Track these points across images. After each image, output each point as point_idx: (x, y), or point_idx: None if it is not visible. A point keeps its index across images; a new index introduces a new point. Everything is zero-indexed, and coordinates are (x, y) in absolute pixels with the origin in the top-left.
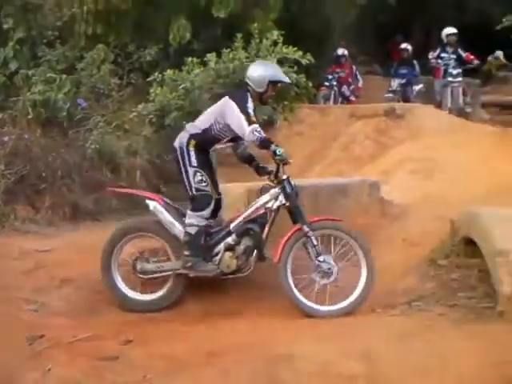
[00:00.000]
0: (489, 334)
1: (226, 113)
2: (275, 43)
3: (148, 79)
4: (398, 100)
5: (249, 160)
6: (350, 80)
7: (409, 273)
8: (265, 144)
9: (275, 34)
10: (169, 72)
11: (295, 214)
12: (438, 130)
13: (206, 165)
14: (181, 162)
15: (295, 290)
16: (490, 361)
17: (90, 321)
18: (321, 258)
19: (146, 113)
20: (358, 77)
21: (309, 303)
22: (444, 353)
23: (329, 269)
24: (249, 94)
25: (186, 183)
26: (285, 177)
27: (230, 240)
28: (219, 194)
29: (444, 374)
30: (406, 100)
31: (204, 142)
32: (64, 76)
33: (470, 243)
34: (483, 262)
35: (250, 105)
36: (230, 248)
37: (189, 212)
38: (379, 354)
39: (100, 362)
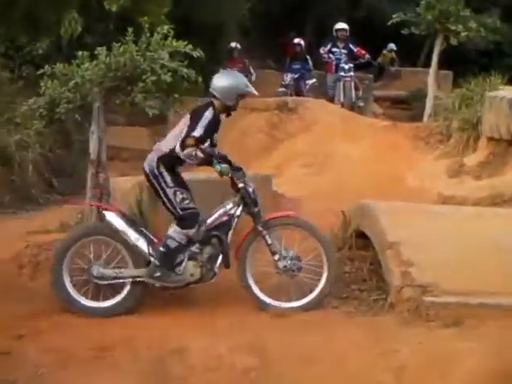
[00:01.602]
0: (379, 326)
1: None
2: (166, 37)
3: (38, 72)
4: (291, 94)
5: (223, 159)
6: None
7: None
8: (206, 164)
9: (165, 28)
10: (59, 65)
11: (253, 216)
12: (330, 124)
13: (182, 182)
14: (156, 185)
15: (255, 288)
16: (379, 351)
17: None
18: (276, 257)
19: (36, 106)
20: (251, 71)
21: (270, 301)
22: (335, 344)
23: (284, 266)
24: (211, 108)
25: (169, 205)
26: (241, 185)
27: (193, 248)
28: None
29: (334, 364)
30: (299, 94)
31: (172, 163)
32: None
33: (361, 236)
34: (375, 255)
35: (203, 123)
36: (193, 257)
37: (175, 227)
38: (271, 347)
39: None
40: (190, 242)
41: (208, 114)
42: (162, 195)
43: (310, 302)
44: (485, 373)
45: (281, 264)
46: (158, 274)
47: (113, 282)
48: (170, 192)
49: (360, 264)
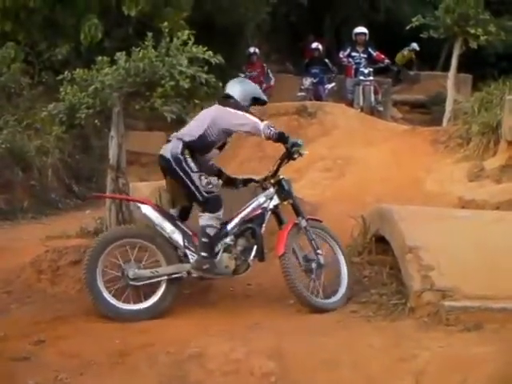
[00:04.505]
0: (399, 330)
1: (225, 121)
2: (186, 43)
3: (58, 78)
4: (310, 98)
5: (218, 174)
6: (261, 79)
7: None
8: (282, 138)
9: (186, 34)
10: (78, 71)
11: (294, 209)
12: (349, 128)
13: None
14: (179, 171)
15: (298, 283)
16: (399, 356)
17: (0, 321)
18: (319, 251)
19: (56, 112)
20: (270, 75)
21: (313, 297)
22: (354, 348)
23: (325, 262)
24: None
25: (194, 189)
26: (282, 176)
27: (228, 240)
28: None
29: (353, 368)
30: (318, 99)
31: (198, 149)
32: None
33: (381, 240)
34: (394, 259)
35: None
36: (227, 249)
37: (205, 214)
38: (290, 351)
39: (11, 362)
40: (225, 234)
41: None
42: (187, 180)
43: (340, 300)
44: (505, 377)
45: (322, 260)
46: (206, 265)
47: (148, 282)
48: (195, 176)
49: (380, 268)
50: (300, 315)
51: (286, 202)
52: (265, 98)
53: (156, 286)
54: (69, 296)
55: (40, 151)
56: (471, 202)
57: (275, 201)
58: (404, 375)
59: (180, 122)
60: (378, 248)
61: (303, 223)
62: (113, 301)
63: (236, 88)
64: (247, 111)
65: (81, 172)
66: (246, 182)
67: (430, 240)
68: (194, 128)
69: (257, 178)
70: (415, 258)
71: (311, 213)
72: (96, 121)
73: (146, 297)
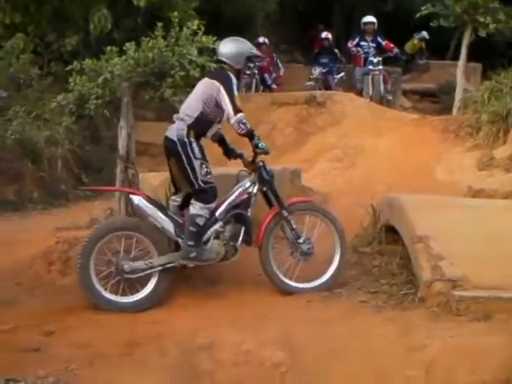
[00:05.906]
0: (409, 320)
1: (215, 95)
2: (195, 33)
3: (67, 68)
4: (319, 88)
5: (220, 141)
6: (271, 68)
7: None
8: (249, 136)
9: (195, 24)
10: (88, 61)
11: (273, 198)
12: (359, 117)
13: (205, 155)
14: (183, 154)
15: (279, 273)
16: (409, 345)
17: (10, 313)
18: (300, 240)
19: (65, 102)
20: (279, 65)
21: (293, 284)
22: (364, 338)
23: (308, 249)
24: (230, 73)
25: (191, 176)
26: (261, 164)
27: (217, 227)
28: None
29: (363, 358)
30: (328, 88)
31: (200, 130)
32: None
33: (391, 230)
34: (404, 249)
35: (235, 86)
36: (217, 235)
37: (198, 203)
38: (300, 341)
39: (22, 353)
40: (214, 221)
41: (232, 78)
42: (187, 165)
43: (323, 284)
44: None
45: (304, 247)
46: (193, 254)
47: (144, 273)
48: (196, 163)
49: (390, 258)
50: (310, 305)
51: (264, 189)
52: (257, 52)
53: (147, 277)
54: (78, 287)
55: (49, 142)
56: (481, 191)
57: (258, 186)
58: (414, 365)
59: None
60: (388, 238)
61: (284, 213)
62: (106, 294)
63: (227, 50)
64: (239, 72)
65: (90, 163)
66: (238, 156)
67: (439, 229)
68: (191, 107)
69: (247, 157)
70: (425, 248)
71: (321, 202)
72: (105, 111)
73: (139, 289)
